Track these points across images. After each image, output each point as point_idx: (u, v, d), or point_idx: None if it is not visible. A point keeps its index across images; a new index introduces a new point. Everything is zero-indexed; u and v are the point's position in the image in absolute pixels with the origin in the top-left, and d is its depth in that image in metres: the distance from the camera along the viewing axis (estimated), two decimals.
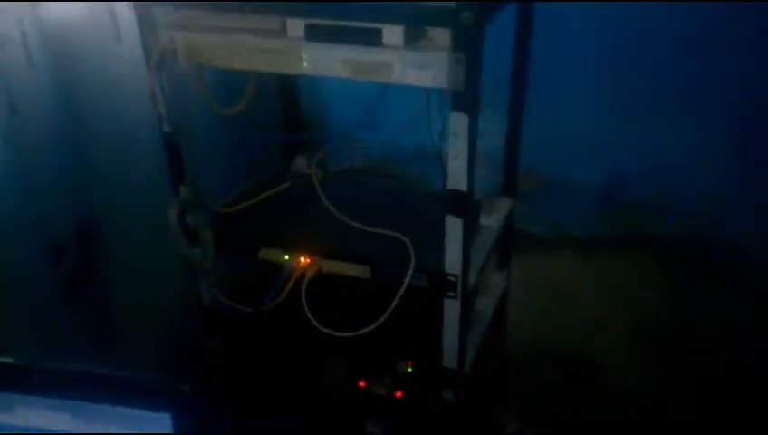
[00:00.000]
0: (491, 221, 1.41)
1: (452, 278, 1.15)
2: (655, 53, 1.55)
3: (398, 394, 1.32)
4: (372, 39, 0.96)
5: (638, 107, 1.61)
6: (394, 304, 1.15)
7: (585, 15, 1.55)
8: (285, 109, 1.61)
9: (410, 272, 1.16)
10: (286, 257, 1.29)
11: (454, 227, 1.09)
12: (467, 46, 0.92)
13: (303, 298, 1.23)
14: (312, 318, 1.21)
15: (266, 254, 1.30)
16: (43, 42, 1.02)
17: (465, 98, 0.97)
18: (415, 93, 1.46)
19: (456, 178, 1.05)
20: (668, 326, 1.64)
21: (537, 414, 1.53)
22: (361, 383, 1.33)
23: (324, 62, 1.01)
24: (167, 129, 1.20)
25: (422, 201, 1.45)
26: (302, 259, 1.28)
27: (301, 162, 1.64)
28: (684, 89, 1.57)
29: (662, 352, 1.60)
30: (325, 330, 1.19)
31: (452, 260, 1.13)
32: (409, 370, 1.31)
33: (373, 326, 1.17)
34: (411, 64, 0.97)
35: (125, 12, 1.11)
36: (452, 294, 1.16)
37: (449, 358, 1.24)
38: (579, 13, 1.54)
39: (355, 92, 1.60)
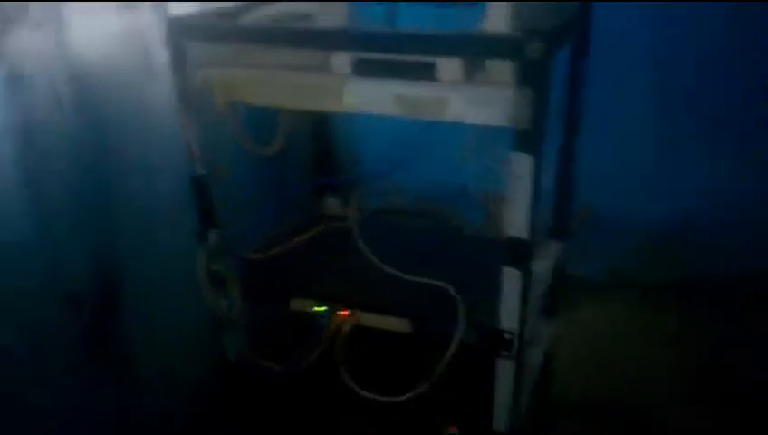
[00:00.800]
0: (541, 267, 1.30)
1: (508, 336, 1.04)
2: (716, 87, 1.46)
3: None
4: (426, 73, 0.88)
5: (698, 141, 1.51)
6: (443, 364, 1.04)
7: (641, 45, 1.47)
8: (318, 148, 1.53)
9: (460, 328, 1.05)
10: (320, 309, 1.18)
11: (512, 278, 0.99)
12: (534, 80, 0.83)
13: (339, 355, 1.12)
14: (349, 379, 1.10)
15: (298, 304, 1.20)
16: (72, 81, 0.95)
17: (530, 137, 0.88)
18: (457, 131, 1.39)
19: (517, 224, 0.95)
20: (731, 379, 1.50)
21: None
22: None
23: (373, 98, 0.93)
24: (200, 171, 1.12)
25: (467, 246, 1.35)
26: (338, 311, 1.18)
27: (334, 203, 1.55)
28: (747, 127, 1.47)
29: (726, 411, 1.46)
30: (365, 394, 1.08)
31: (508, 315, 1.02)
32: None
33: (419, 390, 1.06)
34: (470, 101, 0.88)
35: (158, 49, 1.04)
36: (507, 353, 1.05)
37: (500, 421, 1.12)
38: (635, 43, 1.46)
39: (392, 131, 1.52)
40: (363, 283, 1.20)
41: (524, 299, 1.01)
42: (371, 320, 1.15)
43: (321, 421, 1.25)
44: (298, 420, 1.26)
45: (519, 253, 0.97)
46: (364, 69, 0.92)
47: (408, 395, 1.06)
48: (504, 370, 1.07)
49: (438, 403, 1.16)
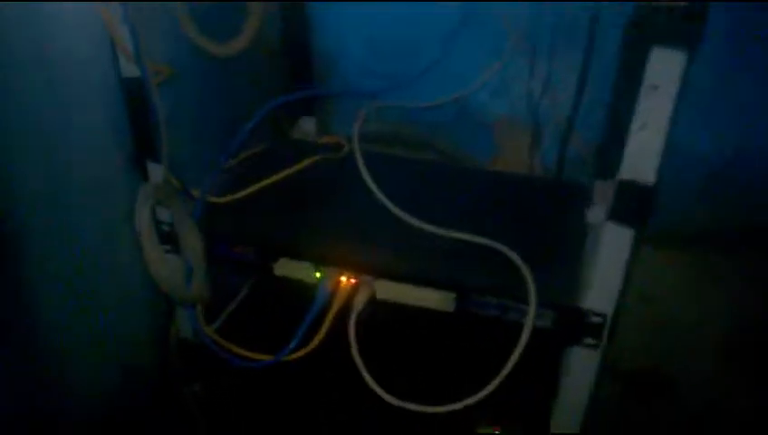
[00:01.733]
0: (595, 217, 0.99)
1: (596, 319, 0.73)
2: None
3: None
4: None
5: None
6: (512, 362, 0.73)
7: None
8: (291, 54, 1.15)
9: (533, 308, 0.74)
10: (318, 275, 0.84)
11: (618, 240, 0.67)
12: None
13: (352, 342, 0.79)
14: (368, 377, 0.77)
15: (286, 269, 0.85)
16: None
17: (689, 18, 0.54)
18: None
19: (640, 162, 0.63)
20: None
21: None
22: None
23: None
24: (129, 73, 0.73)
25: (506, 188, 1.02)
26: (344, 279, 0.84)
27: (308, 126, 1.18)
28: None
29: None
30: (392, 400, 0.76)
31: (601, 292, 0.72)
32: None
33: (473, 400, 0.75)
34: None
35: None
36: (593, 341, 0.75)
37: (566, 424, 0.84)
38: None
39: (380, 37, 1.16)
40: (380, 238, 0.86)
41: (629, 271, 0.70)
42: (394, 292, 0.81)
43: None
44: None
45: (637, 205, 0.65)
46: None
47: (452, 406, 0.74)
48: (584, 362, 0.77)
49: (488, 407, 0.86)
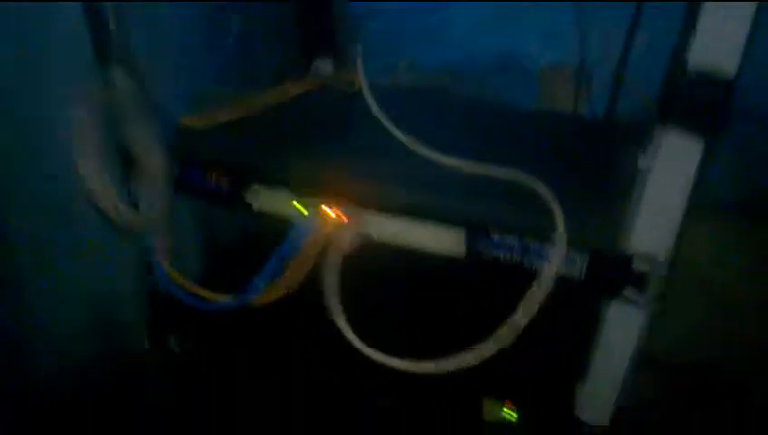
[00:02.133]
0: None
1: (642, 266, 0.57)
2: None
3: None
4: None
5: None
6: (524, 314, 0.58)
7: None
8: None
9: (562, 250, 0.58)
10: (299, 208, 0.70)
11: (681, 153, 0.52)
12: None
13: (332, 288, 0.64)
14: (347, 329, 0.62)
15: (267, 201, 0.71)
16: None
17: None
18: None
19: (716, 45, 0.47)
20: None
21: None
22: None
23: None
24: None
25: (538, 125, 0.87)
26: (332, 213, 0.69)
27: (325, 68, 1.04)
28: None
29: None
30: (377, 357, 0.61)
31: (651, 229, 0.56)
32: (513, 417, 0.74)
33: (473, 360, 0.59)
34: None
35: None
36: (636, 294, 0.59)
37: (595, 408, 0.68)
38: None
39: None
40: (378, 168, 0.71)
41: (690, 204, 0.54)
42: (391, 230, 0.67)
43: (292, 398, 0.79)
44: (257, 387, 0.79)
45: (710, 104, 0.49)
46: None
47: (450, 364, 0.59)
48: (626, 322, 0.61)
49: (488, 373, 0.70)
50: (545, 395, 0.71)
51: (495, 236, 0.62)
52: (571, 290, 0.75)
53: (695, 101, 0.49)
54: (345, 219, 0.68)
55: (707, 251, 1.13)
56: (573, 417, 0.69)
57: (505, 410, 0.73)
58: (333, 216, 0.68)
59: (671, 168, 0.52)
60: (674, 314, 1.09)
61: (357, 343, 0.61)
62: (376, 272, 0.78)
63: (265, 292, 0.67)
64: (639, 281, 0.58)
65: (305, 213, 0.69)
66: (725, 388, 1.08)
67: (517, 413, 0.73)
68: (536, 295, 0.58)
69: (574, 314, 0.76)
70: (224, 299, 0.68)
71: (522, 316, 0.58)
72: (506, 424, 0.74)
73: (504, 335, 0.58)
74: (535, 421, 0.73)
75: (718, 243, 1.12)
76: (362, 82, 0.75)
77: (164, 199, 0.71)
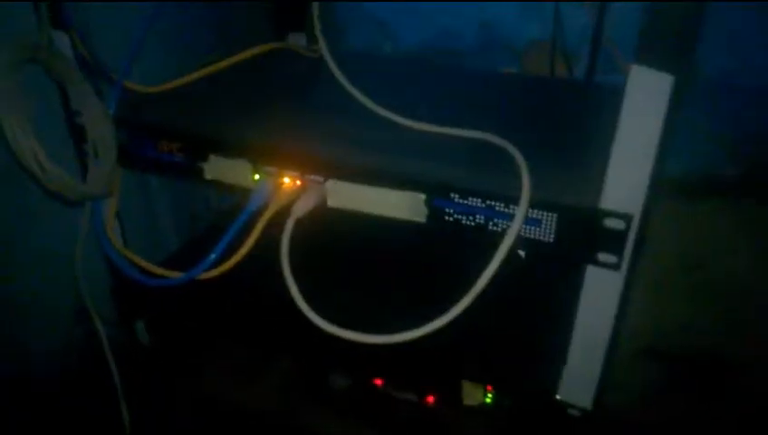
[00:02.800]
0: None
1: (616, 223, 0.52)
2: None
3: None
4: None
5: None
6: (485, 278, 0.53)
7: None
8: None
9: (526, 206, 0.53)
10: (256, 177, 0.65)
11: (648, 96, 0.46)
12: None
13: (284, 259, 0.59)
14: (301, 300, 0.58)
15: (218, 170, 0.67)
16: None
17: None
18: None
19: None
20: None
21: None
22: None
23: None
24: None
25: (508, 88, 0.82)
26: (287, 180, 0.64)
27: (298, 42, 1.00)
28: None
29: None
30: (331, 329, 0.56)
31: (624, 187, 0.50)
32: (488, 400, 0.69)
33: (430, 328, 0.54)
34: None
35: None
36: (611, 257, 0.53)
37: (577, 389, 0.62)
38: None
39: None
40: (339, 133, 0.66)
41: (663, 148, 0.48)
42: (349, 195, 0.62)
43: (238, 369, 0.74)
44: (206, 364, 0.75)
45: (677, 33, 0.44)
46: None
47: (407, 335, 0.54)
48: (603, 288, 0.55)
49: (454, 346, 0.66)
50: (527, 378, 0.66)
51: (457, 199, 0.57)
52: (548, 263, 0.70)
53: (658, 33, 0.43)
54: (302, 186, 0.63)
55: (707, 232, 1.07)
56: (555, 400, 0.63)
57: (486, 393, 0.68)
58: (290, 182, 0.64)
59: (641, 109, 0.46)
60: (673, 300, 1.04)
61: (310, 314, 0.56)
62: (334, 240, 0.73)
63: (219, 265, 0.62)
64: (614, 241, 0.52)
65: (261, 181, 0.64)
66: (727, 375, 1.02)
67: (498, 397, 0.68)
68: (499, 256, 0.52)
69: (555, 291, 0.71)
70: (175, 274, 0.64)
71: (484, 282, 0.53)
72: (487, 408, 0.69)
73: (466, 303, 0.53)
74: (516, 405, 0.67)
75: (718, 223, 1.06)
76: (322, 43, 0.70)
77: (108, 167, 0.66)
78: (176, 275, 0.63)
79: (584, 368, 0.60)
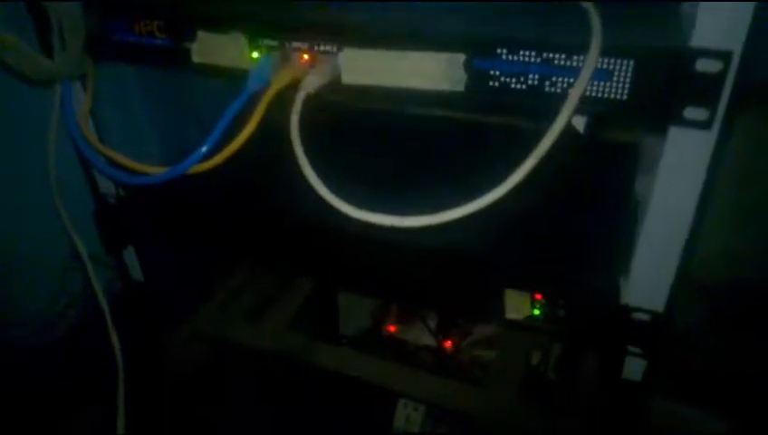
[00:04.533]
0: None
1: (712, 65, 0.41)
2: None
3: None
4: None
5: None
6: (532, 161, 0.42)
7: None
8: None
9: (594, 55, 0.42)
10: (254, 55, 0.54)
11: None
12: None
13: (295, 138, 0.49)
14: (320, 184, 0.47)
15: (212, 50, 0.55)
16: None
17: None
18: None
19: None
20: None
21: None
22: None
23: None
24: None
25: None
26: (295, 54, 0.53)
27: None
28: None
29: None
30: (352, 213, 0.46)
31: (725, 11, 0.40)
32: (536, 311, 0.59)
33: (470, 209, 0.44)
34: None
35: None
36: (701, 112, 0.43)
37: (647, 287, 0.53)
38: None
39: None
40: None
41: None
42: (370, 67, 0.51)
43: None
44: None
45: None
46: None
47: (438, 216, 0.44)
48: (688, 154, 0.45)
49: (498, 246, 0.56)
50: (584, 279, 0.56)
51: (505, 55, 0.46)
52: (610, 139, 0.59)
53: None
54: (310, 60, 0.52)
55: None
56: (618, 305, 0.53)
57: (533, 303, 0.58)
58: (296, 58, 0.53)
59: None
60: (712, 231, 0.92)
61: (332, 199, 0.46)
62: (351, 124, 0.63)
63: (212, 157, 0.52)
64: (706, 90, 0.42)
65: (260, 59, 0.54)
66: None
67: (548, 307, 0.58)
68: (558, 124, 0.42)
69: (615, 174, 0.61)
70: (159, 170, 0.53)
71: (534, 160, 0.43)
72: (534, 322, 0.59)
73: (510, 185, 0.43)
74: (571, 315, 0.58)
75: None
76: None
77: (76, 51, 0.55)
78: (160, 170, 0.53)
79: (658, 261, 0.50)
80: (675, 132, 0.44)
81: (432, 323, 1.10)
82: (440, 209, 0.45)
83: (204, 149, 0.50)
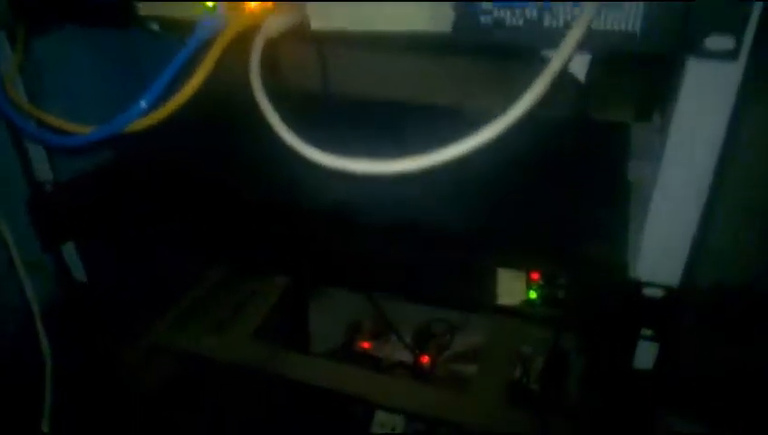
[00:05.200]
0: None
1: None
2: None
3: None
4: None
5: None
6: (528, 102, 0.36)
7: None
8: None
9: None
10: (209, 4, 0.47)
11: None
12: None
13: (255, 81, 0.42)
14: (285, 130, 0.40)
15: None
16: None
17: None
18: None
19: None
20: None
21: None
22: None
23: None
24: None
25: None
26: (252, 3, 0.46)
27: None
28: None
29: None
30: (324, 159, 0.39)
31: None
32: (532, 295, 0.52)
33: (452, 154, 0.38)
34: None
35: None
36: (725, 41, 0.37)
37: (660, 260, 0.46)
38: None
39: None
40: None
41: None
42: (342, 10, 0.44)
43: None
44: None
45: None
46: None
47: (418, 161, 0.37)
48: (708, 94, 0.39)
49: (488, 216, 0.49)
50: (588, 252, 0.49)
51: None
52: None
53: None
54: (273, 5, 0.46)
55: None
56: (627, 281, 0.47)
57: (529, 285, 0.52)
58: (257, 4, 0.46)
59: None
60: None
61: (300, 146, 0.38)
62: (322, 77, 0.56)
63: (155, 111, 0.44)
64: (730, 16, 0.36)
65: (216, 8, 0.47)
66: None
67: (546, 289, 0.51)
68: (560, 58, 0.36)
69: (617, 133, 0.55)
70: (93, 128, 0.45)
71: (529, 101, 0.36)
72: (531, 308, 0.52)
73: (499, 128, 0.36)
74: (572, 295, 0.51)
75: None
76: None
77: None
78: (94, 128, 0.45)
79: (673, 227, 0.44)
80: (693, 68, 0.38)
81: (408, 338, 1.03)
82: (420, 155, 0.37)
83: (143, 103, 0.43)
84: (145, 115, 0.43)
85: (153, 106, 0.43)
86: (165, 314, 0.87)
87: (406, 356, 1.02)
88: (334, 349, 1.07)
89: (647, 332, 0.48)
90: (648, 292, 0.47)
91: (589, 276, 0.47)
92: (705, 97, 0.39)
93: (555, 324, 0.73)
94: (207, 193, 0.55)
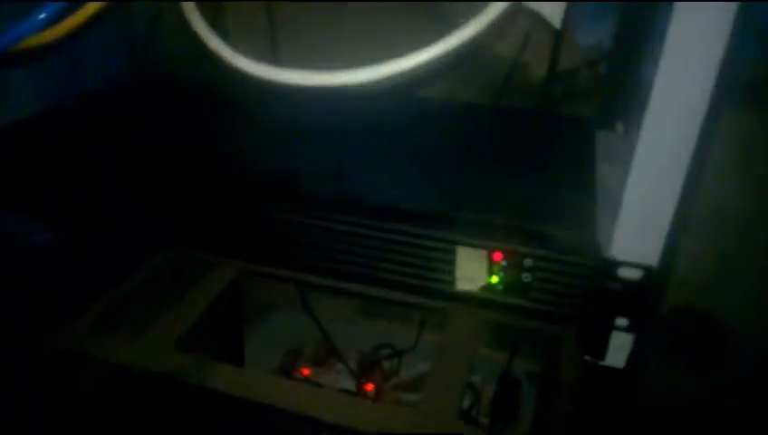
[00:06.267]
0: None
1: None
2: None
3: None
4: None
5: None
6: None
7: None
8: None
9: None
10: None
11: None
12: None
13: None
14: (218, 41, 0.34)
15: None
16: None
17: None
18: None
19: None
20: None
21: None
22: None
23: None
24: None
25: None
26: None
27: None
28: None
29: None
30: (262, 72, 0.33)
31: None
32: (494, 279, 0.46)
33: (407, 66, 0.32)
34: None
35: None
36: None
37: (636, 238, 0.42)
38: None
39: None
40: None
41: None
42: None
43: None
44: None
45: None
46: None
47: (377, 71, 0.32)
48: (694, 37, 0.36)
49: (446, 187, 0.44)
50: (551, 234, 0.44)
51: None
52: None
53: None
54: None
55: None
56: (599, 258, 0.42)
57: (491, 268, 0.46)
58: None
59: None
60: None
61: (237, 59, 0.32)
62: None
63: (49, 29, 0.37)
64: None
65: None
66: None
67: (510, 272, 0.45)
68: None
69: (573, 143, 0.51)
70: None
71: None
72: (492, 294, 0.46)
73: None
74: (541, 276, 0.45)
75: None
76: None
77: None
78: None
79: (651, 203, 0.40)
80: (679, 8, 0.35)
81: (353, 365, 0.96)
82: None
83: (42, 15, 0.36)
84: (42, 29, 0.36)
85: (53, 20, 0.36)
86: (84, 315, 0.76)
87: (349, 384, 0.95)
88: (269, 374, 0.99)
89: (622, 322, 0.43)
90: (623, 272, 0.42)
91: (557, 255, 0.42)
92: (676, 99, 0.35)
93: (508, 349, 0.67)
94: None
